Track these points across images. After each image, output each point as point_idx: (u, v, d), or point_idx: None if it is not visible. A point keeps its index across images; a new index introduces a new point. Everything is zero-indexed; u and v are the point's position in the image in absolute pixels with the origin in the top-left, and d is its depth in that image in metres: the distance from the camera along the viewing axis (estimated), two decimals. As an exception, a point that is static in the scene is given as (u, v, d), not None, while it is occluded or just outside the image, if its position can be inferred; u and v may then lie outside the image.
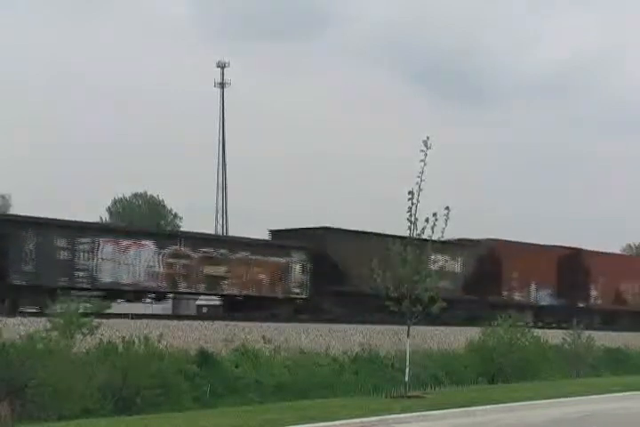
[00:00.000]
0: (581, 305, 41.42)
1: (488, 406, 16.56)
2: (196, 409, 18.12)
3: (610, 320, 42.48)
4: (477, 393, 18.91)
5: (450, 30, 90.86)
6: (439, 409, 15.67)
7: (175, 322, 24.42)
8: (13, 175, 64.62)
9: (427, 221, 17.52)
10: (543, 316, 39.63)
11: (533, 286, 39.28)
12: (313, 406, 16.47)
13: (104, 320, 22.04)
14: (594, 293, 42.64)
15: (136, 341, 19.08)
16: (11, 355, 16.64)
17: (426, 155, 17.61)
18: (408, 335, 18.32)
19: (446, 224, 17.61)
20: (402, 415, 14.91)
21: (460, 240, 36.11)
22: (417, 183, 17.48)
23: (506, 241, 38.65)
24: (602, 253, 43.76)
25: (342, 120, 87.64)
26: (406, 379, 17.95)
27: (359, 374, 24.21)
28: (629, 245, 71.38)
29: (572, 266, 41.04)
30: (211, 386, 20.60)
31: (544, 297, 39.74)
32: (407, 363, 18.08)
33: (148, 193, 67.19)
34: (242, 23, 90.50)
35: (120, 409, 17.35)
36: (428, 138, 17.63)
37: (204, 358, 21.64)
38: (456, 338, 29.03)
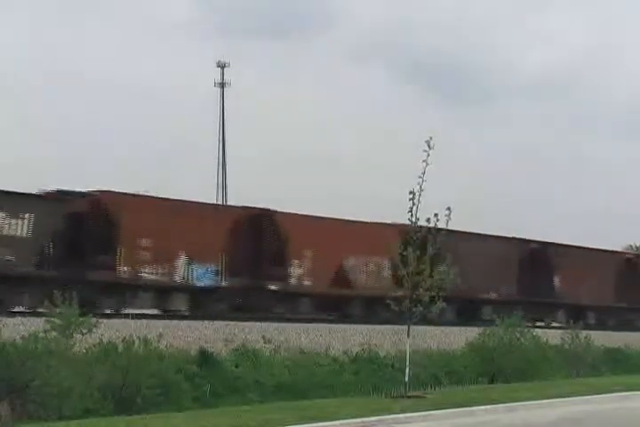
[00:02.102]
0: (273, 288, 30.14)
1: (488, 407, 16.57)
2: (195, 409, 18.11)
3: (332, 308, 32.14)
4: (477, 393, 18.91)
5: (449, 30, 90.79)
6: (439, 409, 15.68)
7: (175, 322, 24.45)
8: None
9: (428, 221, 17.54)
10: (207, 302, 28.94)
11: (183, 260, 28.13)
12: (313, 406, 16.48)
13: (104, 320, 22.07)
14: (297, 271, 30.92)
15: (136, 341, 19.07)
16: (11, 355, 16.63)
17: (428, 155, 17.63)
18: (408, 335, 18.33)
19: (447, 224, 17.65)
20: (402, 415, 14.92)
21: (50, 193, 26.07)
22: (418, 184, 17.50)
23: (123, 194, 28.03)
24: (307, 216, 31.12)
25: (342, 120, 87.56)
26: (406, 379, 17.95)
27: (359, 374, 24.19)
28: (630, 246, 71.29)
29: (258, 232, 29.94)
30: (211, 386, 20.58)
31: (204, 276, 28.39)
32: (407, 363, 18.08)
33: (148, 193, 67.07)
34: (242, 23, 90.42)
35: (120, 409, 17.33)
36: (430, 138, 17.65)
37: (204, 357, 21.61)
38: (456, 338, 29.02)
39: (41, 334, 17.34)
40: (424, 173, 17.49)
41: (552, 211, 79.84)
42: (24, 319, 20.79)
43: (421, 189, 17.46)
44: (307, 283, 31.08)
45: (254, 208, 30.35)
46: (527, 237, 39.49)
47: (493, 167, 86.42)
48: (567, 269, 40.39)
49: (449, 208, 17.55)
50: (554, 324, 37.07)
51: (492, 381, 24.69)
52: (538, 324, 37.01)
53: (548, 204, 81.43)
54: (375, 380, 23.12)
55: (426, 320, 19.29)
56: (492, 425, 15.06)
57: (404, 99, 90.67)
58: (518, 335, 26.02)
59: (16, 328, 19.14)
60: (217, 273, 28.72)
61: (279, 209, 30.92)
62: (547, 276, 39.61)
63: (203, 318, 26.70)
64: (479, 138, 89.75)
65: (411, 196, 17.43)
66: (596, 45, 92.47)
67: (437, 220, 17.46)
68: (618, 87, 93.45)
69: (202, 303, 28.81)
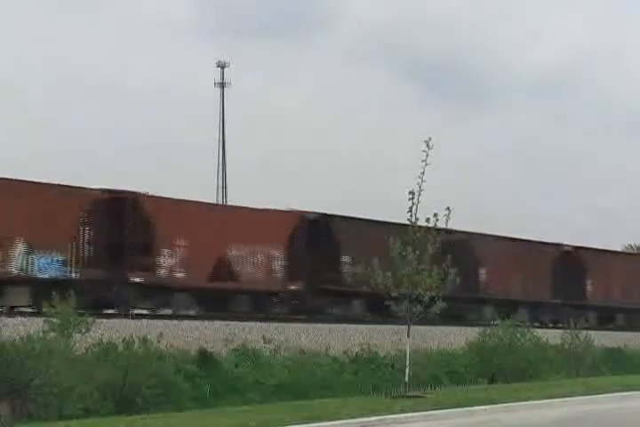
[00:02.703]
0: (137, 280, 26.55)
1: (488, 406, 16.56)
2: (195, 409, 18.12)
3: (213, 304, 28.49)
4: (477, 393, 18.91)
5: (449, 30, 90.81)
6: (439, 409, 15.68)
7: (175, 322, 24.45)
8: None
9: (427, 221, 17.55)
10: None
11: (20, 248, 24.12)
12: (313, 406, 16.48)
13: (104, 320, 22.06)
14: (168, 261, 27.40)
15: (136, 341, 19.08)
16: (11, 355, 16.65)
17: (427, 155, 17.63)
18: (408, 335, 18.33)
19: (447, 224, 17.66)
20: (402, 415, 14.92)
21: None
22: (418, 183, 17.51)
23: None
24: (179, 200, 28.02)
25: (342, 120, 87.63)
26: (406, 379, 17.95)
27: (359, 374, 24.21)
28: (630, 246, 71.24)
29: (119, 217, 26.56)
30: (211, 386, 20.60)
31: (49, 267, 24.39)
32: (407, 363, 18.09)
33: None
34: (242, 23, 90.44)
35: (120, 409, 17.35)
36: (430, 138, 17.65)
37: (204, 357, 21.64)
38: (456, 338, 29.03)
39: (40, 334, 17.36)
40: (423, 173, 17.51)
41: (552, 210, 79.89)
42: (24, 319, 20.79)
43: (421, 189, 17.48)
44: (180, 275, 27.41)
45: (114, 190, 26.87)
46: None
47: (493, 167, 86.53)
48: (494, 261, 36.95)
49: (448, 208, 17.56)
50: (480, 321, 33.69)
51: (491, 381, 24.70)
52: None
53: (547, 203, 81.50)
54: (375, 380, 23.13)
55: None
56: (492, 425, 15.05)
57: (404, 99, 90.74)
58: (518, 335, 26.03)
59: (16, 328, 19.16)
60: (65, 263, 24.87)
61: (150, 192, 27.56)
62: (472, 269, 34.91)
63: (203, 318, 26.71)
64: (479, 138, 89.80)
65: (410, 196, 17.45)
66: (595, 45, 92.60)
67: (437, 220, 17.49)
68: (618, 87, 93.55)
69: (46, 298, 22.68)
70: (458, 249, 34.79)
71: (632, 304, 42.18)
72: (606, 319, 41.91)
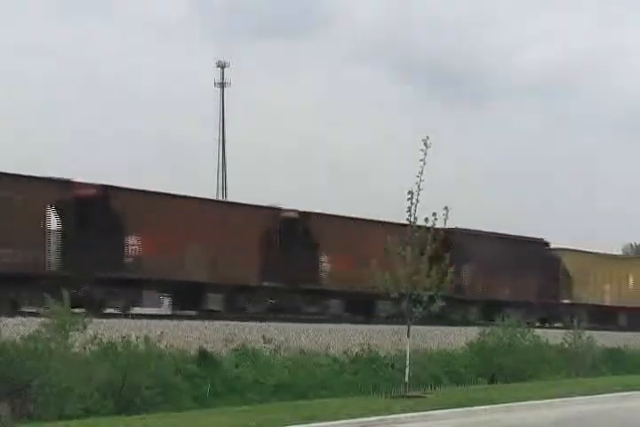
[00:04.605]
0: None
1: (488, 407, 16.56)
2: (195, 409, 18.12)
3: None
4: (477, 393, 18.91)
5: (449, 31, 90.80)
6: (439, 409, 15.68)
7: (175, 322, 24.47)
8: None
9: (426, 220, 17.54)
10: None
11: None
12: (313, 406, 16.48)
13: (104, 320, 22.07)
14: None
15: (136, 341, 19.07)
16: (11, 355, 16.65)
17: (425, 154, 17.62)
18: (408, 335, 18.33)
19: (445, 224, 17.65)
20: (402, 415, 14.92)
21: None
22: (416, 183, 17.49)
23: None
24: None
25: (342, 120, 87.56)
26: (406, 379, 17.94)
27: (359, 374, 24.20)
28: (630, 245, 71.28)
29: None
30: (210, 386, 20.59)
31: None
32: (407, 363, 18.08)
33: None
34: (242, 23, 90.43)
35: (120, 409, 17.35)
36: (427, 137, 17.65)
37: (204, 357, 21.63)
38: (456, 338, 29.03)
39: (38, 334, 17.33)
40: (422, 173, 17.49)
41: (551, 210, 79.91)
42: (24, 319, 20.78)
43: (419, 189, 17.46)
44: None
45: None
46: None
47: (492, 166, 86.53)
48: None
49: (446, 208, 17.55)
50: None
51: (491, 381, 24.70)
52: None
53: (546, 203, 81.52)
54: (375, 380, 23.12)
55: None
56: (492, 425, 15.05)
57: (404, 98, 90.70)
58: (518, 335, 26.02)
59: (16, 328, 19.15)
60: None
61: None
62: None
63: (203, 317, 26.74)
64: (478, 137, 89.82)
65: (409, 195, 17.43)
66: (595, 45, 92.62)
67: (436, 219, 17.47)
68: (617, 87, 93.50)
69: None
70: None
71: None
72: (356, 308, 33.62)
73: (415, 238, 17.38)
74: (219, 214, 30.33)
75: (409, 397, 17.30)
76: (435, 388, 20.86)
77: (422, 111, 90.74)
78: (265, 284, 31.08)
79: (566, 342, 29.01)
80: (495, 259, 36.65)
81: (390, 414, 14.97)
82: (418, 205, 17.42)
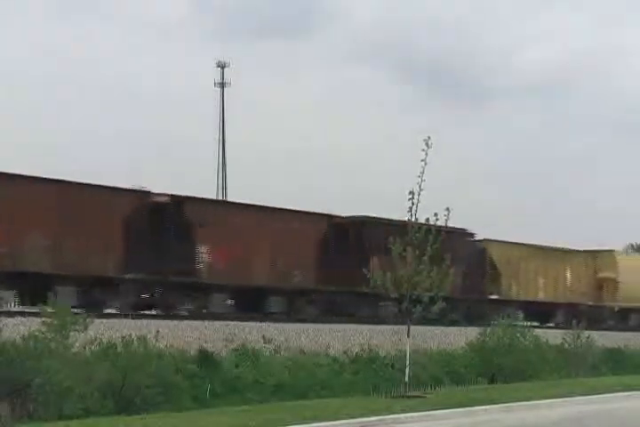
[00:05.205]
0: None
1: (488, 407, 16.57)
2: (195, 409, 18.11)
3: None
4: (477, 393, 18.91)
5: (449, 31, 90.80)
6: (439, 409, 15.68)
7: (175, 322, 24.47)
8: None
9: (427, 221, 17.53)
10: None
11: None
12: (313, 406, 16.47)
13: (104, 320, 22.06)
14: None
15: (135, 341, 19.06)
16: (11, 355, 16.64)
17: (426, 154, 17.61)
18: (408, 335, 18.32)
19: (446, 224, 17.65)
20: (402, 415, 14.91)
21: None
22: (417, 183, 17.49)
23: None
24: None
25: (342, 119, 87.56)
26: (406, 379, 17.94)
27: (359, 374, 24.19)
28: (631, 245, 71.19)
29: None
30: (210, 386, 20.59)
31: None
32: (407, 363, 18.08)
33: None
34: (242, 23, 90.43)
35: (120, 409, 17.34)
36: (429, 137, 17.64)
37: (204, 357, 21.62)
38: (456, 338, 29.03)
39: (38, 334, 17.33)
40: (423, 173, 17.49)
41: (551, 210, 79.91)
42: (24, 319, 20.77)
43: (420, 189, 17.45)
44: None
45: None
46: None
47: (492, 166, 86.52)
48: None
49: (447, 208, 17.54)
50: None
51: (491, 381, 24.70)
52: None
53: (546, 203, 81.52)
54: (375, 380, 23.11)
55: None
56: (492, 425, 15.05)
57: (404, 98, 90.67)
58: (518, 335, 26.02)
59: (16, 328, 19.14)
60: None
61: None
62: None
63: (203, 317, 26.73)
64: (478, 137, 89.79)
65: (410, 195, 17.42)
66: (595, 45, 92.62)
67: (437, 219, 17.47)
68: (617, 87, 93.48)
69: None
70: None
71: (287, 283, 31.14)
72: (246, 304, 30.88)
73: (416, 238, 17.37)
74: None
75: (409, 397, 17.30)
76: (435, 388, 20.86)
77: (422, 111, 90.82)
78: (128, 276, 27.51)
79: (566, 342, 29.02)
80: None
81: (390, 414, 14.97)
82: (419, 205, 17.42)
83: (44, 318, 17.83)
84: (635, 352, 34.76)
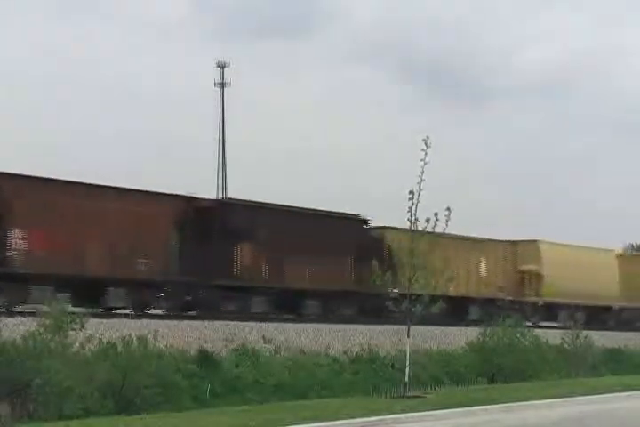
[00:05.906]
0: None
1: (488, 407, 16.54)
2: (195, 409, 18.11)
3: None
4: (477, 393, 18.89)
5: (449, 31, 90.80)
6: (439, 409, 15.65)
7: (175, 322, 24.46)
8: None
9: (427, 221, 17.52)
10: None
11: None
12: (313, 406, 16.46)
13: (104, 320, 22.07)
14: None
15: (135, 341, 19.06)
16: (11, 355, 16.64)
17: (426, 154, 17.60)
18: (408, 335, 18.30)
19: (447, 224, 17.63)
20: (402, 415, 14.88)
21: None
22: (417, 183, 17.47)
23: None
24: None
25: (342, 119, 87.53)
26: (406, 379, 17.92)
27: (359, 374, 24.21)
28: (631, 245, 71.12)
29: None
30: (210, 386, 20.59)
31: None
32: (407, 363, 18.06)
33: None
34: (242, 23, 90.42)
35: (120, 409, 17.34)
36: (427, 137, 17.62)
37: (204, 357, 21.63)
38: (456, 338, 29.03)
39: (37, 334, 17.32)
40: (422, 173, 17.47)
41: (551, 210, 79.90)
42: (24, 319, 20.77)
43: (420, 189, 17.44)
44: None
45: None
46: None
47: (492, 166, 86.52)
48: None
49: (448, 208, 17.51)
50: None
51: (491, 381, 24.69)
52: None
53: (546, 203, 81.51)
54: (375, 380, 23.13)
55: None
56: (492, 425, 15.03)
57: (404, 98, 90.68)
58: (518, 335, 26.02)
59: (16, 328, 19.14)
60: None
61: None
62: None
63: (203, 318, 26.74)
64: (478, 137, 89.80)
65: (410, 195, 17.41)
66: (595, 45, 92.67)
67: (437, 219, 17.45)
68: (617, 87, 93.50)
69: None
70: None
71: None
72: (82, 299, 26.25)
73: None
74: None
75: (409, 397, 17.28)
76: (435, 388, 20.84)
77: (422, 111, 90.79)
78: None
79: (565, 342, 29.02)
80: (286, 238, 30.38)
81: (390, 414, 14.94)
82: (419, 205, 17.42)
83: (40, 318, 17.81)
84: (635, 352, 34.79)
